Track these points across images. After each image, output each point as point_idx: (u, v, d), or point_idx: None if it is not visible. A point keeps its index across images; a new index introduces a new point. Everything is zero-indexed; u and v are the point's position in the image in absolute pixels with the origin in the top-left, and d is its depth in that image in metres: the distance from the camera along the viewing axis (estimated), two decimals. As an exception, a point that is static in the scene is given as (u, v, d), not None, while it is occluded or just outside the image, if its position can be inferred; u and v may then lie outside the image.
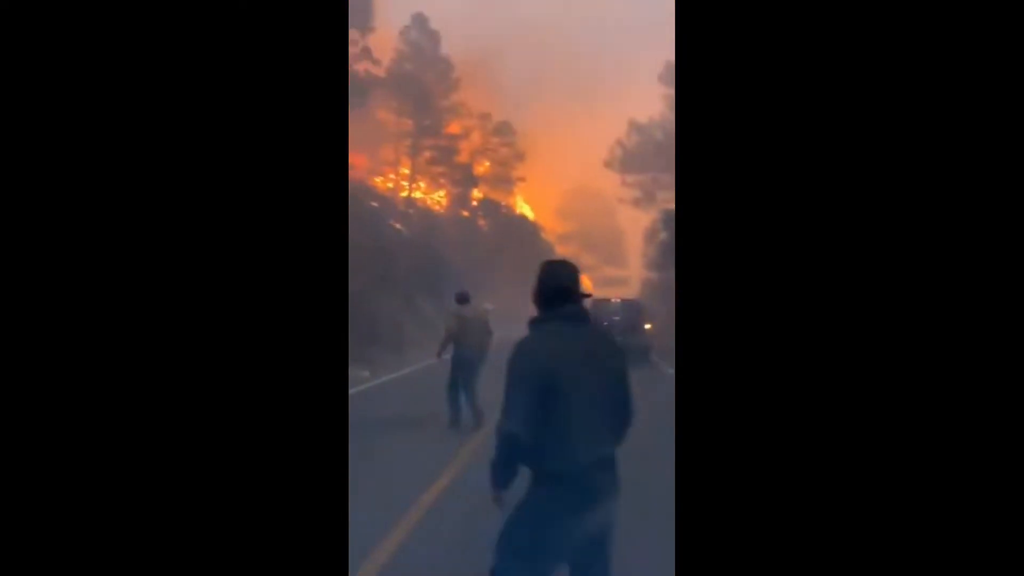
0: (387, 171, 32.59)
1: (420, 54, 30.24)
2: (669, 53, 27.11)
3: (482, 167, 35.91)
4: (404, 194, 31.45)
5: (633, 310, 14.53)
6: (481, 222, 34.22)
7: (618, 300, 15.23)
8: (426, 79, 30.31)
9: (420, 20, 30.18)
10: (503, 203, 36.96)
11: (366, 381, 9.94)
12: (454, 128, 33.04)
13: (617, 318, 14.02)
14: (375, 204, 25.39)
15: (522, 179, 38.27)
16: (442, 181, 33.28)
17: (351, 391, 8.57)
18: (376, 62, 28.43)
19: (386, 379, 10.36)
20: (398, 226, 24.85)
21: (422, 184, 33.08)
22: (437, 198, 33.58)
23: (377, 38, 28.11)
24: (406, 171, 31.87)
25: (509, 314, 15.76)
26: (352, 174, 30.20)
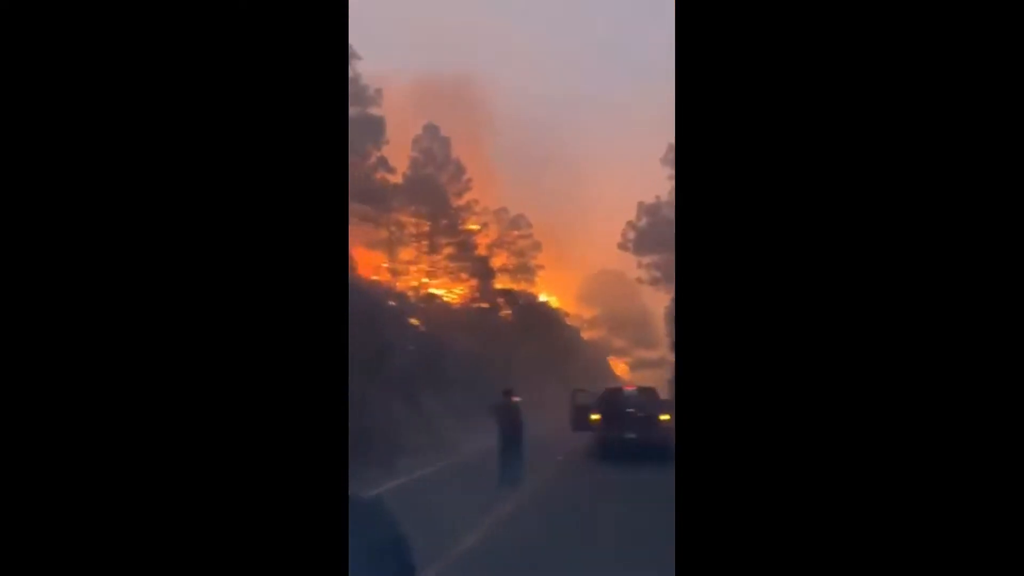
0: (409, 271, 33.78)
1: (432, 160, 32.16)
2: (669, 136, 28.28)
3: (500, 259, 36.89)
4: (424, 292, 32.39)
5: (649, 400, 13.24)
6: (504, 312, 34.68)
7: (632, 389, 14.06)
8: (440, 181, 32.03)
9: (431, 129, 32.34)
10: (525, 292, 37.53)
11: None
12: (471, 224, 34.37)
13: (631, 410, 12.87)
14: (393, 303, 26.22)
15: (542, 267, 39.04)
16: (462, 276, 34.21)
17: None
18: (392, 170, 30.36)
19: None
20: (414, 321, 25.49)
21: (443, 280, 34.07)
22: (458, 292, 34.41)
23: (391, 149, 30.22)
24: (425, 267, 32.99)
25: (535, 404, 14.52)
26: (374, 275, 31.40)
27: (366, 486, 10.33)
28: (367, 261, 32.59)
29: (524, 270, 38.34)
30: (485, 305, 32.42)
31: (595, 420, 13.32)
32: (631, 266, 36.71)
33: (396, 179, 30.81)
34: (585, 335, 45.89)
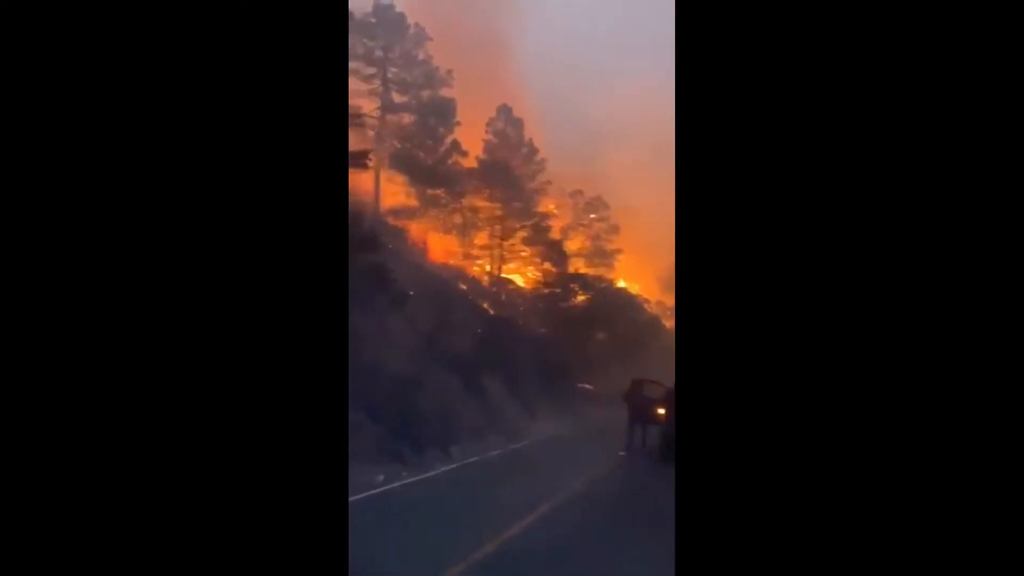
0: (483, 255, 33.62)
1: (506, 142, 31.64)
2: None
3: (576, 243, 35.94)
4: (497, 275, 32.13)
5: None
6: (579, 297, 33.83)
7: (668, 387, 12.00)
8: (513, 164, 31.47)
9: (505, 111, 31.81)
10: (602, 277, 36.41)
11: (378, 486, 8.21)
12: (545, 207, 33.65)
13: (662, 411, 11.84)
14: (463, 287, 26.05)
15: (619, 251, 37.72)
16: (536, 260, 33.67)
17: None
18: (464, 154, 30.11)
19: (393, 486, 8.43)
20: (484, 305, 25.20)
21: (516, 264, 33.67)
22: (531, 276, 33.91)
23: (463, 132, 29.92)
24: (498, 252, 32.70)
25: (609, 395, 14.11)
26: (449, 260, 31.45)
27: (414, 471, 9.96)
28: (441, 246, 32.72)
29: (601, 254, 37.19)
30: (558, 290, 31.70)
31: (661, 414, 12.29)
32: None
33: (470, 163, 30.53)
34: (668, 323, 44.17)
